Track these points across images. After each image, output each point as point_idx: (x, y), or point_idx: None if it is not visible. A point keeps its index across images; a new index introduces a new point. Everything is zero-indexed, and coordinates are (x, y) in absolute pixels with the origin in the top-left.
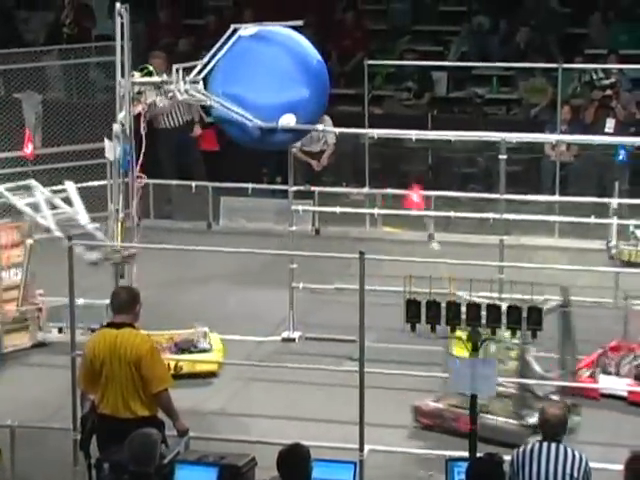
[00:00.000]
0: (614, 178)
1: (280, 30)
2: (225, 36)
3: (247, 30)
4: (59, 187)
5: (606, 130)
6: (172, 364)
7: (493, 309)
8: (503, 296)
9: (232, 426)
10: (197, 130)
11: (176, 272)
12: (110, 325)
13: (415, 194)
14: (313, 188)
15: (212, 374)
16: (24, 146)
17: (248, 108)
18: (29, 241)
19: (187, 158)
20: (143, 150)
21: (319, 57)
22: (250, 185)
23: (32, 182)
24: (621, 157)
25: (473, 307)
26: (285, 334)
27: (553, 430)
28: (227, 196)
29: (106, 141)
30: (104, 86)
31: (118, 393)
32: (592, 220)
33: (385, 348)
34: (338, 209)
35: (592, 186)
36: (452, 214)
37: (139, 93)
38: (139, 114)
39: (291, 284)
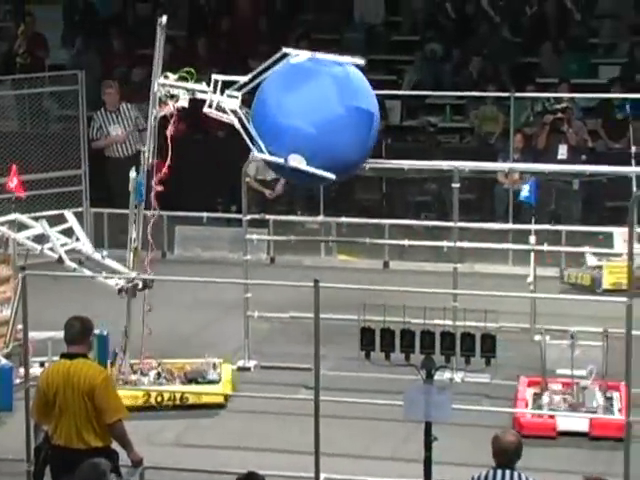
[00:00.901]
0: (567, 205)
1: (332, 64)
2: (274, 58)
3: (298, 57)
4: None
5: (559, 157)
6: (177, 395)
7: (447, 337)
8: (457, 324)
9: (187, 456)
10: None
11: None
12: (64, 356)
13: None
14: (267, 217)
15: (219, 406)
16: (8, 181)
17: (270, 130)
18: (21, 275)
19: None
20: (170, 154)
21: (361, 105)
22: (205, 214)
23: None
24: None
25: (427, 335)
26: (240, 363)
27: (507, 457)
28: (182, 225)
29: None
30: (57, 115)
31: (72, 424)
32: (545, 248)
33: (340, 376)
34: (293, 237)
35: (545, 213)
36: (406, 242)
37: (171, 96)
38: (165, 116)
39: (246, 313)
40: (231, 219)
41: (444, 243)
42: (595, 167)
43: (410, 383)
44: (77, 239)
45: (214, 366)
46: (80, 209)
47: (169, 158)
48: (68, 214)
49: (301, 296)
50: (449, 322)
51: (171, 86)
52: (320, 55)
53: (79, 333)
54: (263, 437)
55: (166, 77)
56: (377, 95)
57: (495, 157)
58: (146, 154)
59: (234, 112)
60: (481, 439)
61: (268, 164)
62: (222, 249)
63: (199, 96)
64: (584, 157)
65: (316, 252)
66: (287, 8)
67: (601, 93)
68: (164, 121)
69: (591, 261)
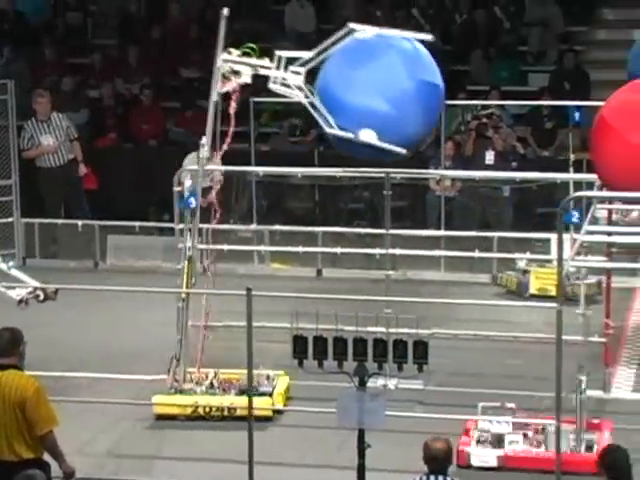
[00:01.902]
0: (498, 212)
1: (399, 39)
2: (339, 34)
3: (364, 33)
4: None
5: (487, 162)
6: (226, 407)
7: (379, 344)
8: (390, 330)
9: (124, 466)
10: (82, 169)
11: (63, 312)
12: None
13: None
14: (200, 225)
15: (267, 419)
16: None
17: (338, 107)
18: None
19: (73, 197)
20: (232, 129)
21: (429, 78)
22: (137, 223)
23: None
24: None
25: (360, 342)
26: None
27: (438, 463)
28: (114, 234)
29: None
30: None
31: (2, 436)
32: (477, 254)
33: None
34: (226, 246)
35: (476, 220)
36: (339, 250)
37: (235, 72)
38: (228, 93)
39: (180, 322)
40: (164, 228)
41: (376, 250)
42: (526, 174)
43: (343, 390)
44: None
45: (268, 378)
46: (11, 219)
47: (229, 136)
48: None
49: (235, 304)
50: (382, 329)
51: (234, 62)
52: (386, 31)
53: (9, 343)
54: (198, 448)
55: (229, 53)
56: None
57: (427, 164)
58: (206, 137)
59: (299, 88)
60: (414, 446)
61: (336, 140)
62: (155, 258)
63: (262, 72)
64: (515, 164)
65: (249, 260)
66: (218, 17)
67: (531, 100)
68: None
69: (520, 265)
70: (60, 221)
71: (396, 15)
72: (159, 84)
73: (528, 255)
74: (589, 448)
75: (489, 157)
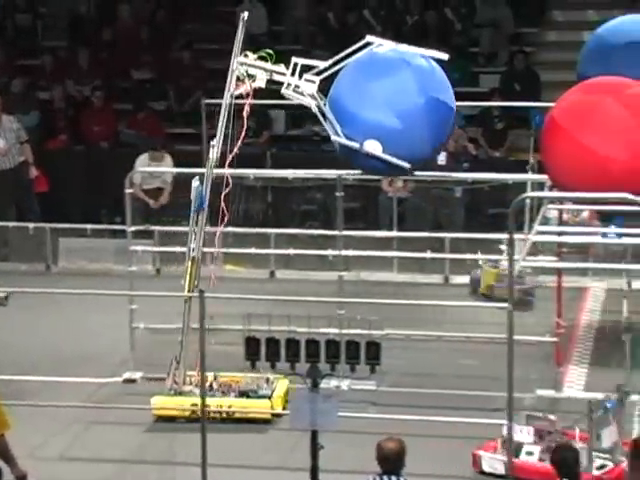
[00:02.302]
0: (449, 212)
1: (415, 56)
2: (356, 46)
3: (381, 47)
4: None
5: (439, 162)
6: (224, 409)
7: (332, 345)
8: (343, 332)
9: (73, 470)
10: (33, 172)
11: (14, 315)
12: None
13: None
14: (152, 228)
15: (266, 421)
16: None
17: (347, 116)
18: None
19: (23, 199)
20: (243, 134)
21: (440, 97)
22: (89, 226)
23: None
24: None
25: (312, 344)
26: (126, 375)
27: (391, 464)
28: (65, 237)
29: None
30: None
31: None
32: (429, 255)
33: None
34: (178, 248)
35: (428, 221)
36: (292, 251)
37: (249, 76)
38: (240, 95)
39: (131, 324)
40: (116, 230)
41: (329, 252)
42: (477, 174)
43: (296, 392)
44: None
45: (267, 381)
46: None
47: (242, 137)
48: None
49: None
50: (335, 330)
51: (250, 65)
52: (403, 46)
53: None
54: (149, 451)
55: (246, 56)
56: (262, 104)
57: None
58: (217, 138)
59: (312, 96)
60: (368, 446)
61: (341, 149)
62: (107, 261)
63: (276, 78)
64: (466, 165)
65: (202, 262)
66: (169, 18)
67: (482, 102)
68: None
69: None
70: (11, 224)
71: (347, 16)
72: (110, 86)
73: (480, 255)
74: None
75: (441, 158)
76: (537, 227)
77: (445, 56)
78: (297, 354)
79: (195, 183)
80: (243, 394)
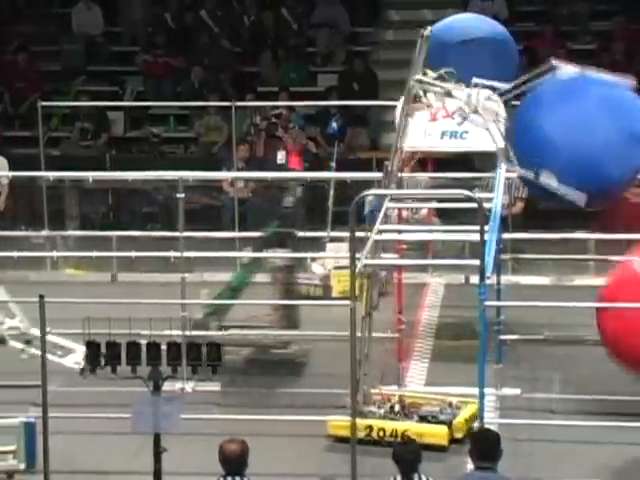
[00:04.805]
0: (290, 213)
1: (604, 85)
2: (541, 69)
3: (566, 72)
4: None
5: (278, 162)
6: (399, 432)
7: (173, 347)
8: (186, 333)
9: None
10: None
11: None
12: None
13: None
14: None
15: (442, 448)
16: None
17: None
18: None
19: None
20: None
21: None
22: None
23: None
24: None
25: (153, 346)
26: None
27: (233, 464)
28: None
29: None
30: None
31: None
32: (269, 254)
33: (70, 392)
34: (17, 253)
35: (270, 220)
36: (133, 254)
37: (425, 94)
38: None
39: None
40: None
41: (171, 253)
42: (317, 173)
43: (138, 395)
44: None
45: (450, 405)
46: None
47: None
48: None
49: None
50: (177, 332)
51: (428, 84)
52: (591, 72)
53: None
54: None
55: (424, 74)
56: (100, 106)
57: (220, 167)
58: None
59: (496, 115)
60: (212, 448)
61: (520, 178)
62: None
63: (455, 95)
64: (306, 164)
65: (42, 267)
66: (2, 19)
67: (319, 101)
68: None
69: (318, 271)
70: None
71: (184, 17)
72: None
73: (322, 254)
74: None
75: (280, 157)
76: (378, 225)
77: (633, 82)
78: (138, 357)
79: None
80: (423, 418)
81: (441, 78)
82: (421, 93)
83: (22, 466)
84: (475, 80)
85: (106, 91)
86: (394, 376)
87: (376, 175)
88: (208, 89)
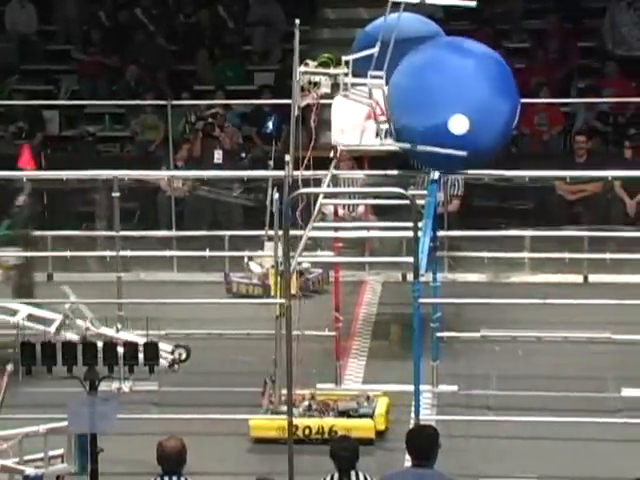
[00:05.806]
0: (228, 211)
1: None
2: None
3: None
4: None
5: (215, 161)
6: (326, 429)
7: (109, 347)
8: (122, 333)
9: None
10: None
11: None
12: None
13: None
14: None
15: (370, 441)
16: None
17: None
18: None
19: None
20: (312, 144)
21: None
22: None
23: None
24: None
25: (89, 346)
26: None
27: (171, 463)
28: None
29: None
30: None
31: None
32: (208, 253)
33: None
34: None
35: (207, 219)
36: (69, 254)
37: (314, 84)
38: (307, 105)
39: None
40: None
41: (107, 252)
42: (256, 172)
43: (74, 396)
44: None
45: (368, 399)
46: None
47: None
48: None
49: None
50: (112, 332)
51: (312, 73)
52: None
53: None
54: None
55: (306, 65)
56: (34, 105)
57: (158, 165)
58: (291, 148)
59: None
60: (150, 447)
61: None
62: None
63: (341, 80)
64: (245, 161)
65: None
66: None
67: (254, 99)
68: None
69: (256, 270)
70: None
71: (119, 15)
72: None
73: (259, 253)
74: None
75: (217, 156)
76: (312, 223)
77: (473, 4)
78: (74, 357)
79: None
80: (343, 413)
81: (323, 65)
82: (308, 84)
83: None
84: (345, 57)
85: (41, 90)
86: (331, 375)
87: (312, 173)
88: (144, 88)
